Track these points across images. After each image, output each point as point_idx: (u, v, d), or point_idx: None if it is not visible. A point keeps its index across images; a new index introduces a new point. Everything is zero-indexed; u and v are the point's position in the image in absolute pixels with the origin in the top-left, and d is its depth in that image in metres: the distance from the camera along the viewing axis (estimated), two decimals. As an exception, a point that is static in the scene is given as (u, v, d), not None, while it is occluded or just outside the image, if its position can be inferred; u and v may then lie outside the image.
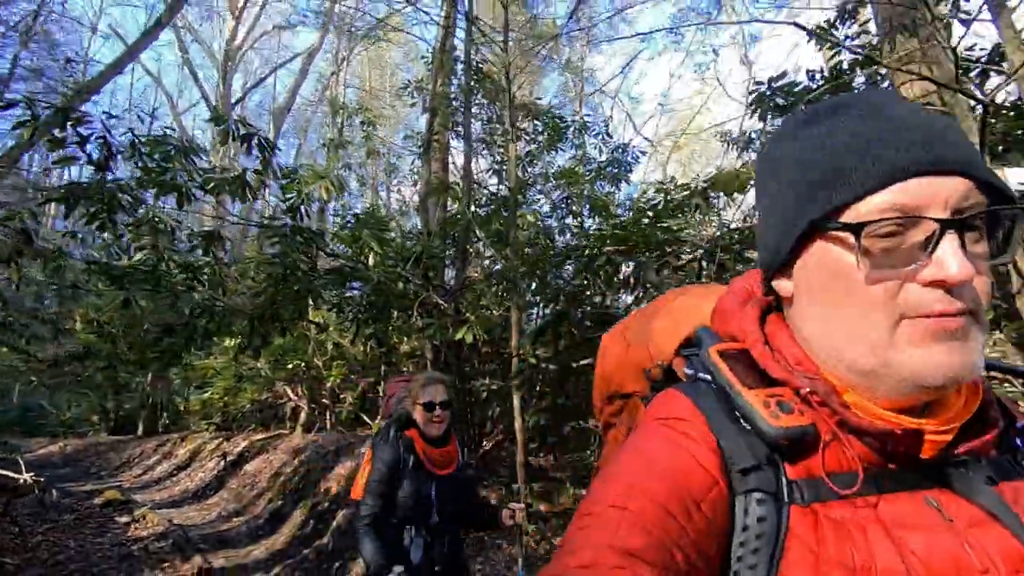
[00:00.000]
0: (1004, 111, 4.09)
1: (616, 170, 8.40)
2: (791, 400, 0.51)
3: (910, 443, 0.49)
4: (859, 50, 5.14)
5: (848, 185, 0.48)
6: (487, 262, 6.64)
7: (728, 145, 6.75)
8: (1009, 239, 0.50)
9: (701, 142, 16.64)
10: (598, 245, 4.12)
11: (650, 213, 4.56)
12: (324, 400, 10.24)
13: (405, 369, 8.99)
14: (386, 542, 2.14)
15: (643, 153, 10.19)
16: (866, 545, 0.46)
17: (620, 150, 9.02)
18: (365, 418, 9.90)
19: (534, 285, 4.94)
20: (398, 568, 2.03)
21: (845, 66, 5.32)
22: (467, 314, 5.02)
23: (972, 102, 2.96)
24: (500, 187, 8.51)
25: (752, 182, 4.33)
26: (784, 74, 4.55)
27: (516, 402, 4.04)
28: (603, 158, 9.02)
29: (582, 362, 4.23)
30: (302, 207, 4.55)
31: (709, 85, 12.94)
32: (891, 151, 0.47)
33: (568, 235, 6.39)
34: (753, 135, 6.44)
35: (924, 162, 0.46)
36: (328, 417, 10.35)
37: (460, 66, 8.62)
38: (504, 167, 8.41)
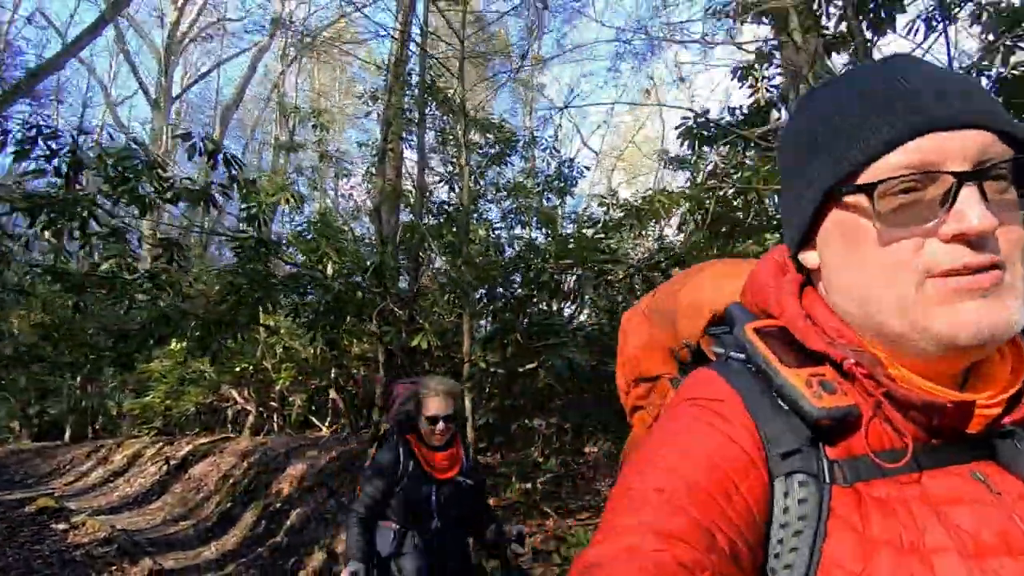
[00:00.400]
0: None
1: (562, 184, 8.92)
2: (833, 379, 0.50)
3: (959, 417, 0.48)
4: (774, 89, 5.86)
5: (859, 148, 0.47)
6: (439, 270, 6.97)
7: (663, 164, 7.37)
8: None
9: (645, 156, 17.52)
10: (543, 260, 4.56)
11: (589, 232, 5.05)
12: (272, 403, 10.24)
13: (355, 371, 9.16)
14: (370, 538, 2.16)
15: (587, 168, 10.74)
16: (912, 522, 0.44)
17: (566, 164, 9.55)
18: (315, 420, 9.98)
19: (484, 294, 5.34)
20: (354, 565, 2.05)
21: (762, 103, 6.03)
22: (421, 321, 5.35)
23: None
24: (452, 196, 8.87)
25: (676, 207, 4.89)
26: (707, 111, 5.14)
27: (467, 403, 4.42)
28: (551, 171, 9.53)
29: (528, 367, 4.66)
30: (261, 216, 4.78)
31: (648, 105, 13.74)
32: (903, 110, 0.46)
33: (516, 246, 6.81)
34: (687, 155, 7.10)
35: (938, 118, 0.45)
36: (276, 420, 10.36)
37: (415, 78, 8.90)
38: (456, 177, 8.77)
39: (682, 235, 4.95)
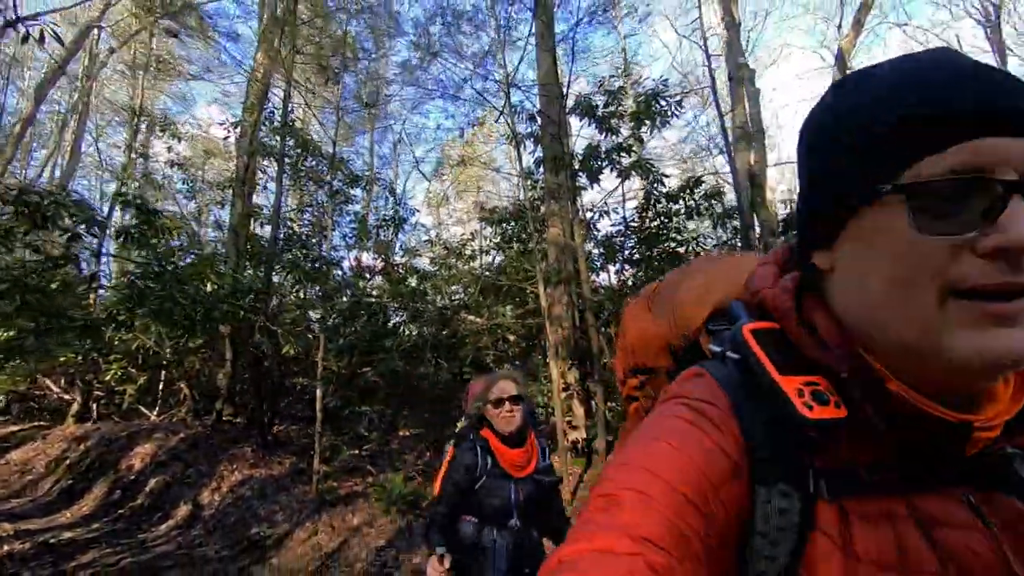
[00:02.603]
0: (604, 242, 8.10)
1: (394, 224, 11.17)
2: (826, 389, 0.48)
3: (956, 438, 0.45)
4: (536, 201, 8.91)
5: (903, 145, 0.42)
6: (294, 293, 8.76)
7: (482, 222, 10.05)
8: None
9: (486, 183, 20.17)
10: (378, 301, 6.86)
11: (414, 281, 7.48)
12: (99, 392, 10.70)
13: (199, 366, 10.27)
14: (454, 540, 2.16)
15: (418, 211, 13.11)
16: (898, 541, 0.43)
17: (401, 203, 11.84)
18: (144, 410, 10.72)
19: (333, 318, 7.42)
20: (441, 549, 2.04)
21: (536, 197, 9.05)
22: (283, 331, 7.27)
23: (583, 238, 6.55)
24: (304, 222, 10.54)
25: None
26: (495, 208, 7.91)
27: (319, 392, 6.52)
28: (389, 208, 11.74)
29: (362, 370, 6.90)
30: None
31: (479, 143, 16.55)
32: (951, 105, 0.41)
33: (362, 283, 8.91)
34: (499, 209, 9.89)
35: (994, 119, 0.40)
36: (98, 408, 10.78)
37: (276, 112, 10.42)
38: (310, 207, 10.53)
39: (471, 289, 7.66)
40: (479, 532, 2.19)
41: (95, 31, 14.25)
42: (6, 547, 5.79)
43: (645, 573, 0.40)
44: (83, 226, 5.53)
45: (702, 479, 0.46)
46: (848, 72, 0.53)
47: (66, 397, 10.87)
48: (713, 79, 10.04)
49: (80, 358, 10.35)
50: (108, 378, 10.35)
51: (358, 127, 14.34)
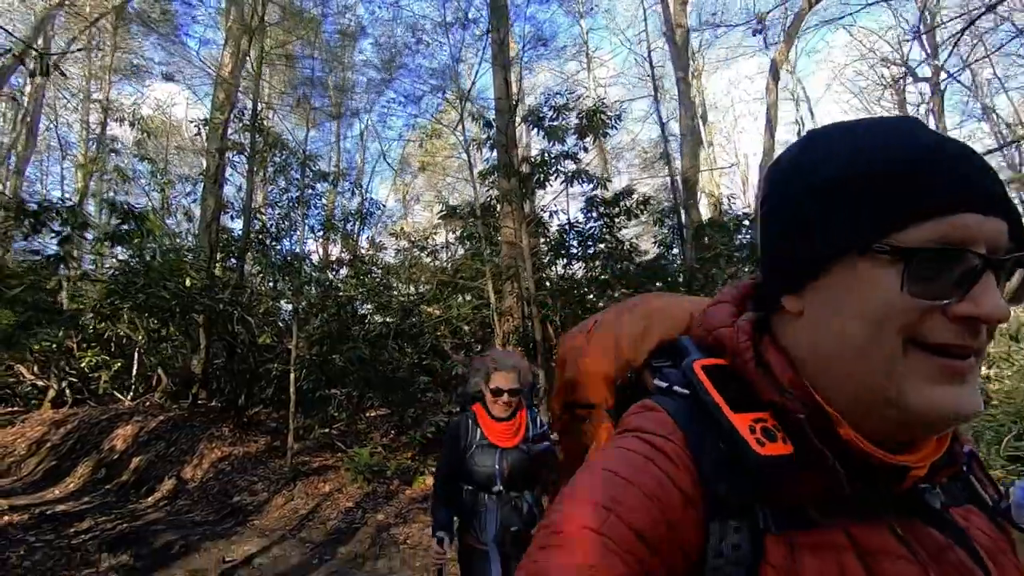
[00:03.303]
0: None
1: (359, 218, 11.83)
2: (774, 427, 0.50)
3: (893, 477, 0.50)
4: (491, 201, 9.72)
5: (902, 210, 0.46)
6: (267, 284, 9.40)
7: (443, 213, 10.81)
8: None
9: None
10: (347, 294, 7.61)
11: (379, 272, 8.25)
12: (73, 379, 11.13)
13: (175, 353, 10.81)
14: (451, 503, 2.43)
15: (384, 205, 13.75)
16: (840, 572, 0.46)
17: (366, 199, 12.48)
18: (118, 395, 11.21)
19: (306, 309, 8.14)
20: (440, 533, 2.32)
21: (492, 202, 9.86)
22: (258, 321, 7.97)
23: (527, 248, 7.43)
24: (271, 216, 11.11)
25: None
26: (457, 206, 8.71)
27: (292, 376, 7.27)
28: (354, 205, 12.37)
29: (333, 356, 7.67)
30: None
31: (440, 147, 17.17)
32: (946, 182, 0.46)
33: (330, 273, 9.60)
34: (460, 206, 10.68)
35: (976, 199, 0.46)
36: (72, 394, 11.21)
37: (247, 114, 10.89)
38: (279, 203, 11.09)
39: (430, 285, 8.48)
40: (474, 497, 2.39)
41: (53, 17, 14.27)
42: (5, 518, 6.40)
43: None
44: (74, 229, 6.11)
45: (656, 515, 0.47)
46: (811, 129, 0.59)
47: (40, 383, 11.26)
48: (656, 89, 10.98)
49: (55, 346, 10.76)
50: (83, 365, 10.80)
51: (325, 111, 14.79)
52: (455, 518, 2.44)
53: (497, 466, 2.38)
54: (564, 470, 0.81)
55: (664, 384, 0.60)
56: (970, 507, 0.56)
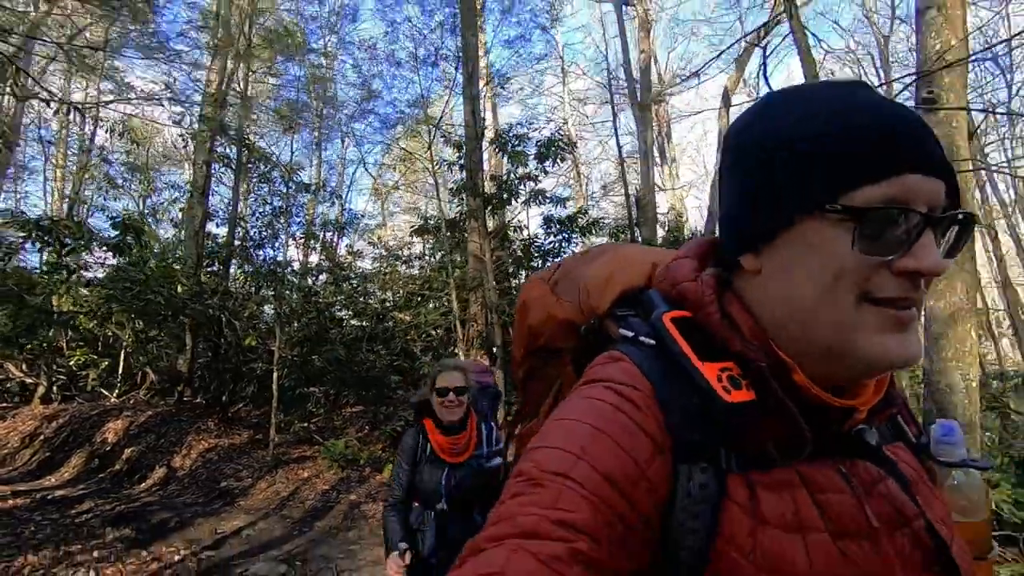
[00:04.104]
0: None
1: (336, 228, 12.62)
2: (739, 375, 0.53)
3: (840, 419, 0.54)
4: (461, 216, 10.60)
5: (852, 172, 0.49)
6: (251, 289, 10.16)
7: (415, 233, 11.65)
8: (960, 242, 0.54)
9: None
10: (325, 300, 8.44)
11: (355, 282, 9.09)
12: (61, 376, 11.70)
13: (161, 353, 11.46)
14: (404, 523, 2.27)
15: (360, 216, 14.54)
16: (795, 507, 0.50)
17: (345, 210, 13.29)
18: (105, 392, 11.81)
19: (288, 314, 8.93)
20: (403, 545, 2.15)
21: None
22: (242, 324, 8.75)
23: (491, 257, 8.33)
24: (254, 224, 11.84)
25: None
26: (429, 217, 9.59)
27: (275, 375, 8.06)
28: (333, 214, 13.17)
29: (312, 357, 8.48)
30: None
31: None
32: (893, 145, 0.49)
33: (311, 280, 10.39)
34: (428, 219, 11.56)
35: (921, 161, 0.49)
36: (60, 391, 11.78)
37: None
38: (262, 212, 11.84)
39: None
40: (419, 515, 2.28)
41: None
42: (10, 502, 7.09)
43: (568, 560, 0.42)
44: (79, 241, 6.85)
45: (626, 461, 0.49)
46: (768, 92, 0.60)
47: (28, 380, 11.80)
48: (615, 115, 12.01)
49: (45, 345, 11.32)
50: (72, 363, 11.38)
51: (308, 124, 15.53)
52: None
53: (443, 482, 2.27)
54: (526, 416, 0.82)
55: (630, 334, 0.62)
56: (898, 444, 0.61)
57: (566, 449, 0.50)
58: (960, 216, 0.51)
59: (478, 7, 10.86)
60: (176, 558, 5.11)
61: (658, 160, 18.22)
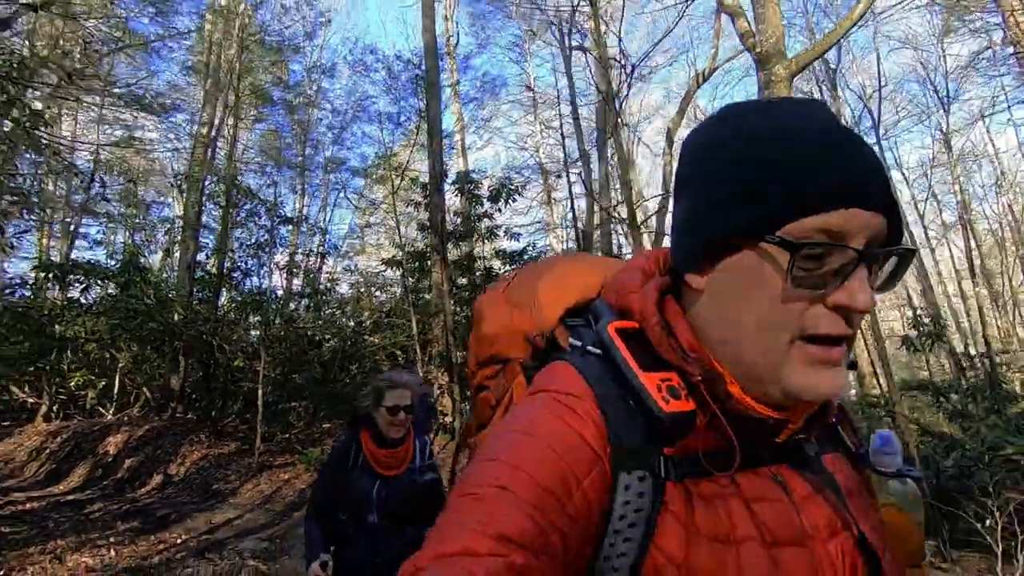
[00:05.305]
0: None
1: (317, 257, 13.91)
2: (678, 385, 0.54)
3: (774, 430, 0.56)
4: (427, 247, 11.98)
5: (792, 202, 0.49)
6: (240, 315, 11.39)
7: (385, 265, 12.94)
8: (896, 276, 0.55)
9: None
10: (305, 325, 9.73)
11: (337, 308, 10.40)
12: (62, 396, 12.79)
13: (158, 372, 12.59)
14: (325, 532, 2.23)
15: (335, 248, 15.83)
16: (728, 516, 0.51)
17: (325, 242, 14.60)
18: (102, 409, 12.89)
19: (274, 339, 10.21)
20: (324, 556, 2.13)
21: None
22: (231, 348, 10.01)
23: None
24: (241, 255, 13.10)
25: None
26: (402, 245, 10.94)
27: (260, 391, 9.30)
28: (315, 242, 14.48)
29: (293, 376, 9.74)
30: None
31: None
32: (838, 177, 0.48)
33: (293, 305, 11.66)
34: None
35: (863, 195, 0.48)
36: (60, 409, 12.85)
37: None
38: (248, 243, 13.09)
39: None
40: (350, 527, 2.25)
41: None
42: (29, 504, 8.21)
43: (506, 574, 0.42)
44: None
45: (565, 470, 0.49)
46: (727, 105, 0.59)
47: (30, 401, 12.86)
48: (566, 159, 13.50)
49: (47, 368, 12.40)
50: (72, 384, 12.47)
51: (292, 164, 16.86)
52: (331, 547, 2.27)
53: (375, 495, 2.25)
54: (475, 427, 0.82)
55: (578, 343, 0.62)
56: (837, 453, 0.63)
57: (505, 460, 0.50)
58: (899, 250, 0.52)
59: (454, 79, 12.36)
60: (179, 541, 6.31)
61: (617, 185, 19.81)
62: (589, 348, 0.60)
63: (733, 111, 0.57)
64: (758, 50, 6.34)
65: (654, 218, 13.06)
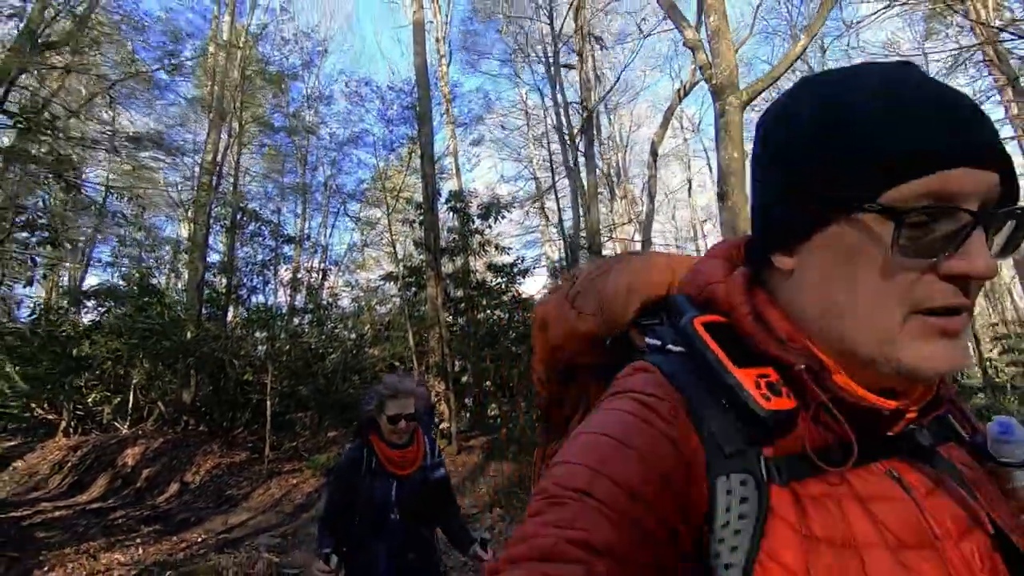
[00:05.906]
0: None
1: (321, 273, 14.62)
2: (777, 380, 0.50)
3: (890, 422, 0.51)
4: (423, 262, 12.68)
5: (893, 166, 0.45)
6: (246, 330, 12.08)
7: (384, 280, 13.63)
8: (1014, 241, 0.48)
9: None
10: (308, 342, 10.40)
11: (338, 324, 11.08)
12: (80, 412, 13.45)
13: (170, 387, 13.25)
14: (337, 539, 2.29)
15: (336, 265, 16.50)
16: (844, 520, 0.46)
17: (327, 260, 15.29)
18: (117, 424, 13.55)
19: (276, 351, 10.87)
20: (327, 550, 2.20)
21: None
22: (241, 362, 10.68)
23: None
24: (247, 272, 13.80)
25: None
26: (400, 260, 11.62)
27: (268, 402, 9.96)
28: (316, 260, 15.17)
29: (298, 387, 10.41)
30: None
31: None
32: (939, 136, 0.44)
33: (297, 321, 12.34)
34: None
35: (968, 152, 0.44)
36: (79, 424, 13.50)
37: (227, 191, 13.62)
38: (253, 262, 13.78)
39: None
40: (367, 529, 2.29)
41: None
42: (56, 513, 8.86)
43: None
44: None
45: (651, 474, 0.46)
46: (804, 76, 0.55)
47: (50, 417, 13.53)
48: (554, 180, 14.19)
49: (66, 385, 13.09)
50: (89, 400, 13.14)
51: (292, 187, 17.61)
52: (344, 549, 2.31)
53: (393, 493, 2.32)
54: (553, 433, 0.80)
55: (657, 342, 0.60)
56: (951, 444, 0.57)
57: (585, 464, 0.47)
58: (1018, 211, 0.47)
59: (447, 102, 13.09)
60: (199, 540, 6.96)
61: (608, 196, 20.54)
62: (670, 346, 0.58)
63: (812, 80, 0.54)
64: (714, 82, 7.03)
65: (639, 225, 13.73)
